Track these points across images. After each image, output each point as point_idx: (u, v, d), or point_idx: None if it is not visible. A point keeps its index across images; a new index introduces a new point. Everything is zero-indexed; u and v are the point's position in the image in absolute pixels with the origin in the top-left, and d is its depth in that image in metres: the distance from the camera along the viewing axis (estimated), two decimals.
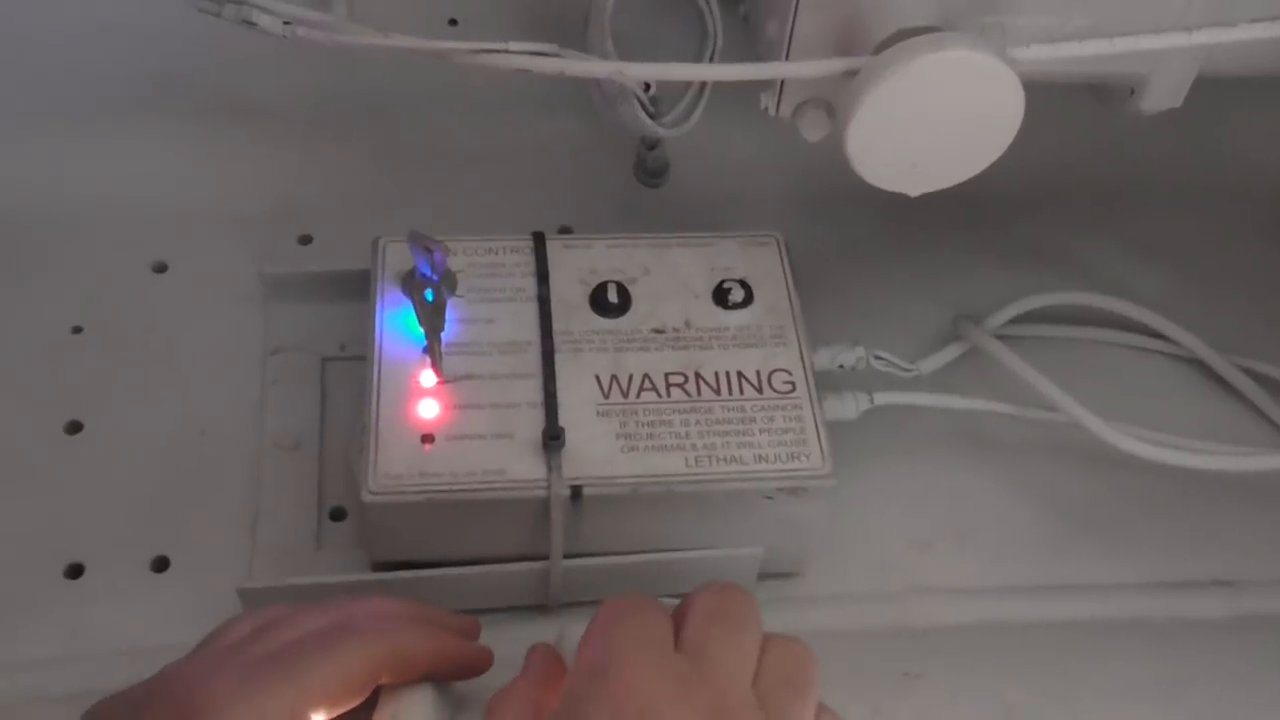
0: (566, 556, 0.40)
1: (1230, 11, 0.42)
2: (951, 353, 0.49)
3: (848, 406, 0.45)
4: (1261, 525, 0.46)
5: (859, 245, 0.55)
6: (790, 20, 0.43)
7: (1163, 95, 0.45)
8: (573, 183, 0.55)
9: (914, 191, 0.42)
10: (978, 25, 0.42)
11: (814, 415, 0.42)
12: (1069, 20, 0.43)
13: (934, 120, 0.39)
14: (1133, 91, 0.46)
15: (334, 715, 0.32)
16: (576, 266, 0.45)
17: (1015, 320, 0.51)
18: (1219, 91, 0.46)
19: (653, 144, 0.52)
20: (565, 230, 0.53)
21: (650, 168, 0.53)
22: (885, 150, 0.40)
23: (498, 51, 0.43)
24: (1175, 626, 0.43)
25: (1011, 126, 0.40)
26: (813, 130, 0.45)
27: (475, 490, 0.39)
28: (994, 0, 0.42)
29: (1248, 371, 0.50)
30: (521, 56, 0.43)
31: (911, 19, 0.41)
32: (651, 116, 0.48)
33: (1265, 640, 0.42)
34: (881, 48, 0.40)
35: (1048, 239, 0.55)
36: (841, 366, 0.46)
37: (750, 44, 0.48)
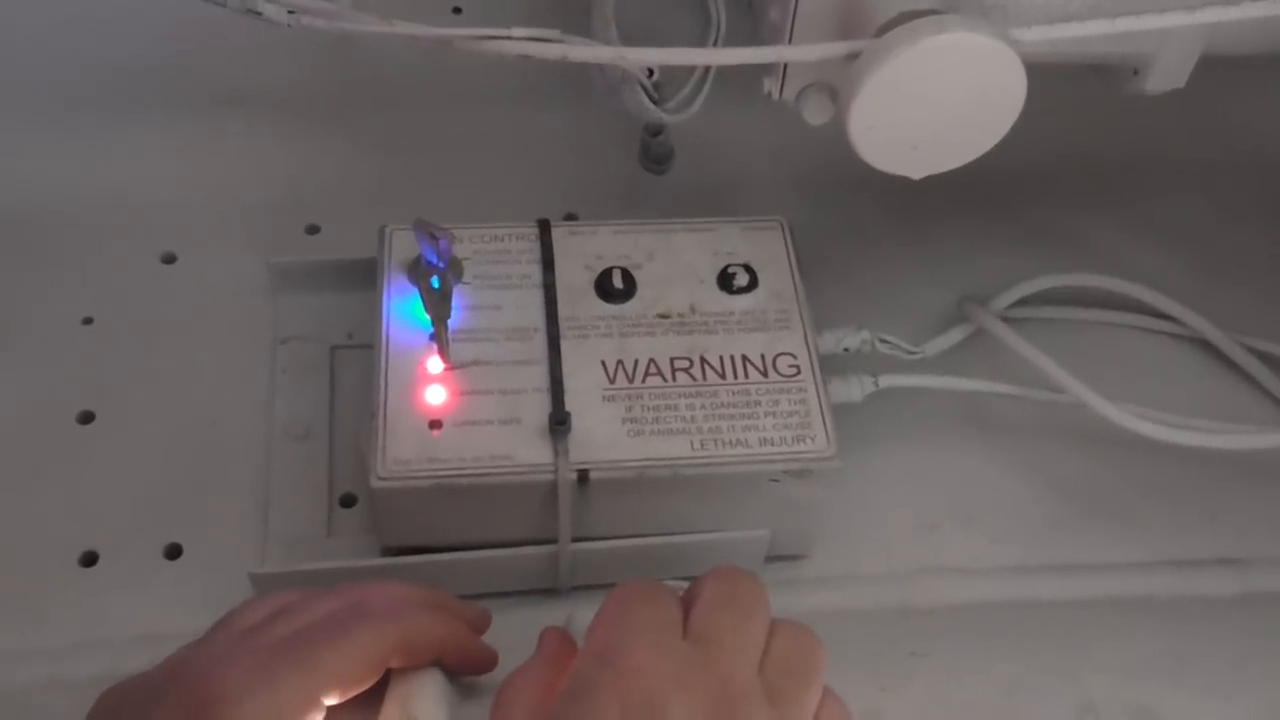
0: (574, 540, 0.41)
1: None
2: (956, 335, 0.49)
3: (853, 389, 0.45)
4: (1268, 503, 0.46)
5: (864, 229, 0.55)
6: (793, 3, 0.43)
7: (1166, 75, 0.45)
8: (578, 170, 0.56)
9: (917, 174, 0.42)
10: (980, 6, 0.42)
11: (819, 398, 0.42)
12: (1072, 0, 0.43)
13: (936, 103, 0.39)
14: (1136, 72, 0.46)
15: (346, 698, 0.32)
16: (582, 253, 0.46)
17: (1020, 302, 0.51)
18: (1224, 70, 0.46)
19: (656, 130, 0.52)
20: (571, 217, 0.54)
21: (655, 154, 0.54)
22: (888, 133, 0.40)
23: (500, 38, 0.44)
24: (1181, 604, 0.43)
25: (1014, 108, 0.40)
26: (816, 114, 0.45)
27: (483, 475, 0.39)
28: None
29: (1253, 351, 0.50)
30: (524, 43, 0.43)
31: (914, 1, 0.41)
32: (655, 102, 0.49)
33: (1272, 617, 0.42)
34: (884, 30, 0.40)
35: (1053, 221, 0.55)
36: (846, 350, 0.46)
37: (754, 28, 0.48)
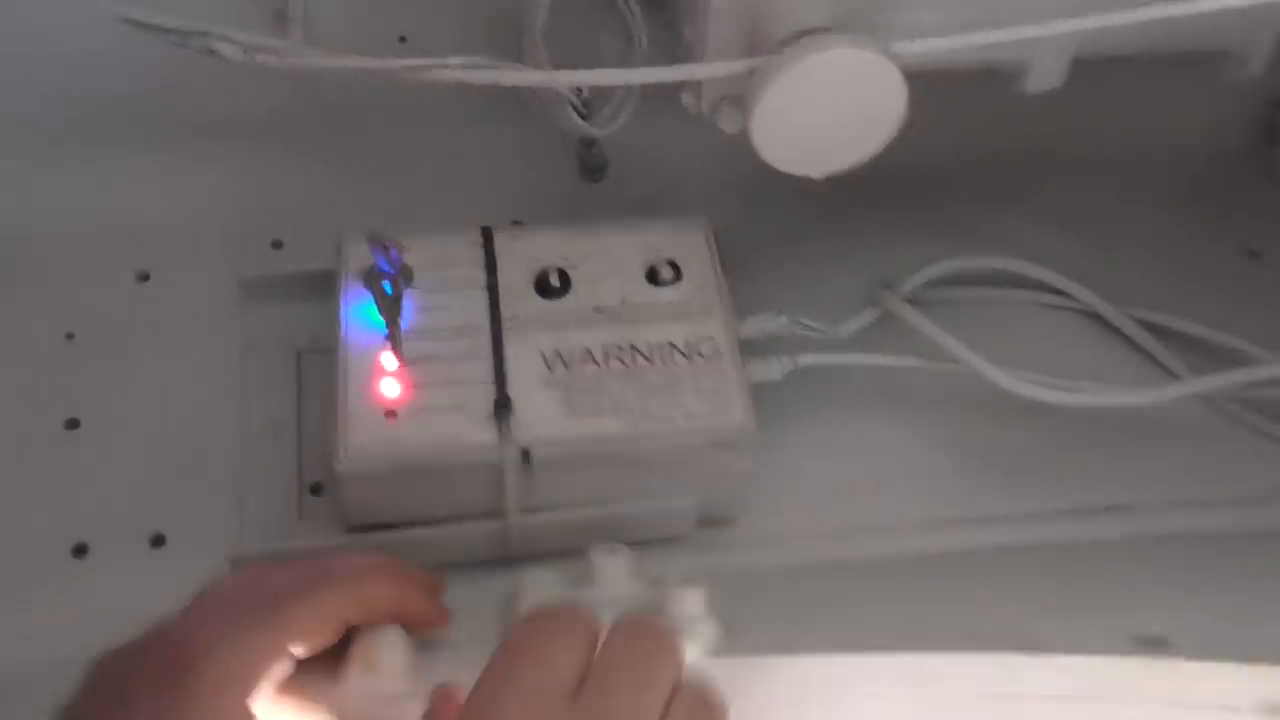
0: (521, 513, 0.45)
1: (1092, 3, 0.47)
2: (867, 317, 0.54)
3: (773, 368, 0.50)
4: (1150, 455, 0.51)
5: (788, 224, 0.59)
6: (703, 24, 0.48)
7: (1043, 77, 0.50)
8: (521, 181, 0.60)
9: (816, 174, 0.47)
10: (870, 24, 0.47)
11: (737, 376, 0.46)
12: (952, 15, 0.48)
13: (826, 110, 0.44)
14: (1018, 75, 0.51)
15: (313, 651, 0.36)
16: (522, 256, 0.50)
17: (931, 284, 0.56)
18: (1112, 67, 0.51)
19: (590, 143, 0.57)
20: (517, 224, 0.58)
21: (590, 165, 0.58)
22: (786, 138, 0.45)
23: (438, 66, 0.48)
24: (1074, 548, 0.48)
25: (896, 113, 0.45)
26: (730, 123, 0.50)
27: (435, 457, 0.44)
28: (882, 0, 0.47)
29: (1140, 320, 0.55)
30: (459, 70, 0.48)
31: (807, 21, 0.46)
32: (585, 118, 0.53)
33: (1155, 558, 0.47)
34: (780, 48, 0.45)
35: (960, 209, 0.60)
36: (767, 333, 0.51)
37: (672, 45, 0.53)
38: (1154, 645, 0.38)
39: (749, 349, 0.49)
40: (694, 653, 0.39)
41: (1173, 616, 0.40)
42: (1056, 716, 0.38)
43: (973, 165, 0.61)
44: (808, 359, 0.51)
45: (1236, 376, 0.50)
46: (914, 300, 0.55)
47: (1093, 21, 0.43)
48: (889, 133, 0.46)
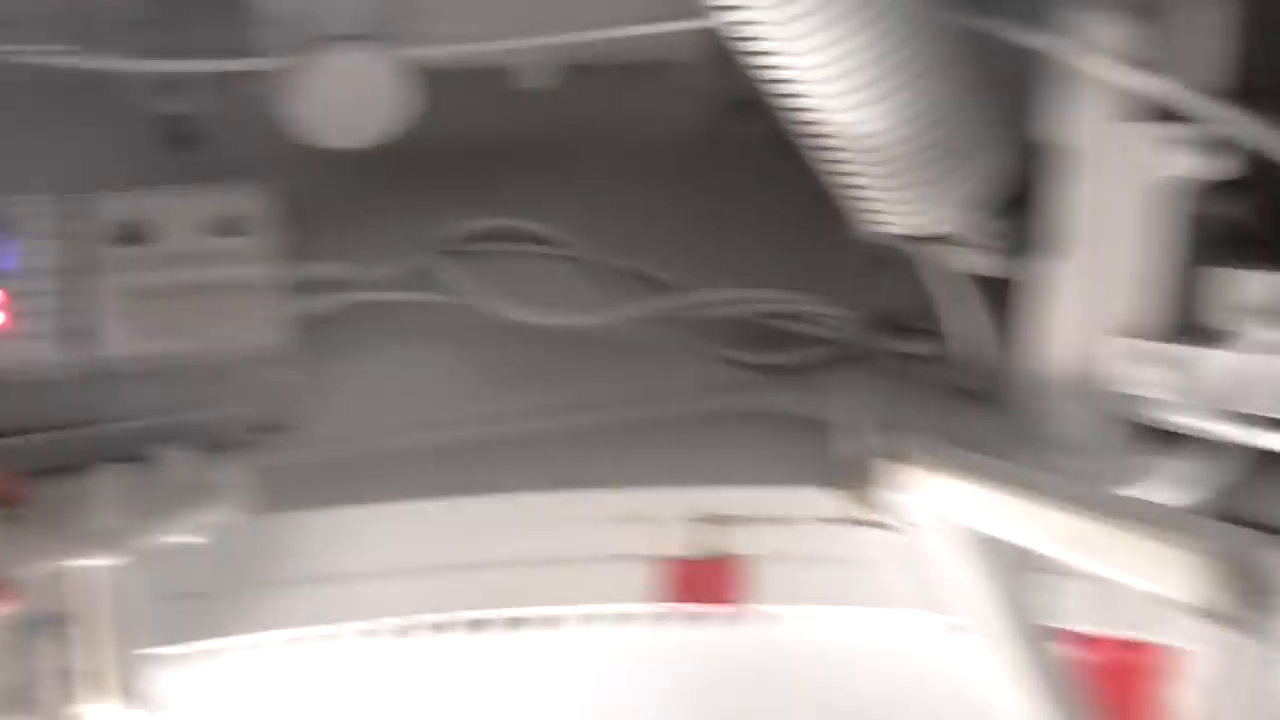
0: (104, 422, 0.56)
1: (566, 26, 0.63)
2: (411, 263, 0.67)
3: (327, 304, 0.63)
4: (610, 362, 0.67)
5: (353, 187, 0.70)
6: (260, 28, 0.60)
7: (534, 77, 0.66)
8: (123, 149, 0.69)
9: (349, 146, 0.61)
10: (403, 32, 0.61)
11: (284, 308, 0.59)
12: (460, 29, 0.62)
13: (345, 100, 0.58)
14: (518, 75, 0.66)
15: None
16: (112, 211, 0.60)
17: (466, 238, 0.70)
18: (605, 72, 0.67)
19: (180, 118, 0.68)
20: (114, 187, 0.68)
21: (181, 136, 0.69)
22: (319, 119, 0.59)
23: (31, 52, 0.58)
24: (551, 433, 0.64)
25: (398, 105, 0.59)
26: (285, 106, 0.62)
27: (28, 372, 0.54)
28: (403, 14, 0.61)
29: (617, 268, 0.72)
30: (51, 56, 0.58)
31: (339, 29, 0.59)
32: (174, 97, 0.64)
33: (600, 434, 0.64)
34: (313, 49, 0.58)
35: (494, 178, 0.74)
36: (324, 277, 0.64)
37: None
38: (580, 485, 0.55)
39: (308, 288, 0.62)
40: (232, 513, 0.52)
41: (600, 467, 0.57)
42: (505, 539, 0.54)
43: (505, 143, 0.76)
44: (358, 296, 0.65)
45: (670, 302, 0.68)
46: (454, 252, 0.69)
47: (541, 41, 0.59)
48: (396, 118, 0.60)
